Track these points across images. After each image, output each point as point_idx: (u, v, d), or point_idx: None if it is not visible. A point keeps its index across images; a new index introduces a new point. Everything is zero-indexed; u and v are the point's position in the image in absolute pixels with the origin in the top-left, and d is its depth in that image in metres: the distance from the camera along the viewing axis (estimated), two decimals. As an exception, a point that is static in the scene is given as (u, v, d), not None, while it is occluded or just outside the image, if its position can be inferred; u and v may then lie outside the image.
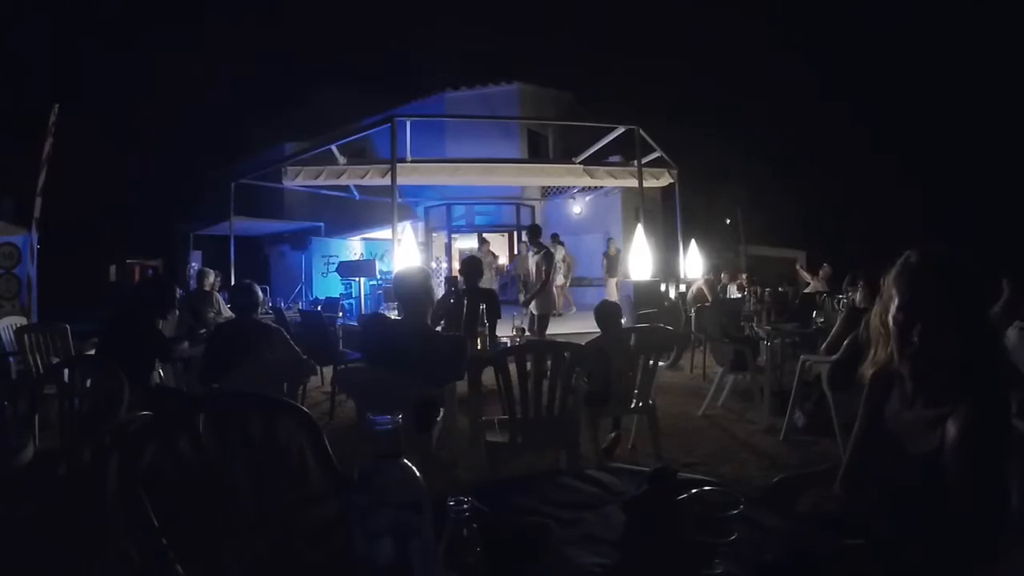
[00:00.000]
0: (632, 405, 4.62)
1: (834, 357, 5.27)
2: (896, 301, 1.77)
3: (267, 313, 9.88)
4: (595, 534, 1.54)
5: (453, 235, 19.20)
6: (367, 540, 1.05)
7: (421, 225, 19.09)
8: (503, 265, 17.33)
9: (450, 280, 11.91)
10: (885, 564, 1.62)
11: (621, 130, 11.98)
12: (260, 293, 4.94)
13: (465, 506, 1.07)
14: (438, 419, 3.98)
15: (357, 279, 13.22)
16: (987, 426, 1.57)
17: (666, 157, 12.71)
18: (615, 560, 1.41)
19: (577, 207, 18.75)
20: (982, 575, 1.56)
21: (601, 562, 1.40)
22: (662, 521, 1.48)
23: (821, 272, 13.17)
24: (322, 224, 18.48)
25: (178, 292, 5.97)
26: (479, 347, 4.85)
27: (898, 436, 1.78)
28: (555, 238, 15.30)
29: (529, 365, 3.79)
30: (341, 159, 12.60)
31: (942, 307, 1.67)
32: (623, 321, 6.05)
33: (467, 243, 18.88)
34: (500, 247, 18.03)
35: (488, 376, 3.85)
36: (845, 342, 5.12)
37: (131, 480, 1.80)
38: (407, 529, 1.04)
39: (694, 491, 1.45)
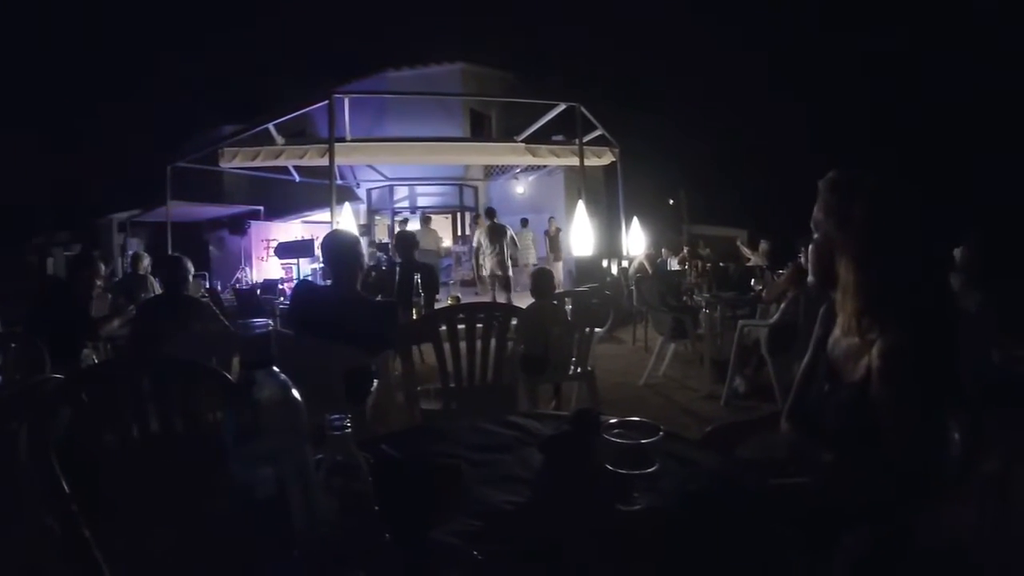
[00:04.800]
0: (571, 371, 4.56)
1: (771, 321, 5.29)
2: (814, 223, 1.72)
3: (203, 296, 9.64)
4: (511, 474, 1.47)
5: (396, 217, 18.94)
6: (239, 458, 0.95)
7: (363, 207, 18.82)
8: (448, 248, 17.11)
9: (381, 247, 11.75)
10: (818, 501, 1.57)
11: (562, 107, 11.88)
12: (189, 266, 4.80)
13: (346, 423, 0.97)
14: (371, 390, 3.86)
15: (296, 261, 12.93)
16: (909, 356, 1.50)
17: (608, 136, 12.67)
18: (528, 497, 1.34)
19: (520, 187, 18.68)
20: (913, 515, 1.51)
21: (513, 500, 1.33)
22: (578, 457, 1.41)
23: (760, 248, 13.34)
24: (261, 208, 18.09)
25: (102, 268, 5.75)
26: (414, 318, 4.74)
27: (836, 365, 1.73)
28: (524, 222, 15.40)
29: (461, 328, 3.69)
30: (279, 139, 12.28)
31: (855, 227, 1.61)
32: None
33: (410, 225, 18.66)
34: (443, 228, 17.84)
35: (430, 351, 3.75)
36: (782, 306, 5.14)
37: (41, 445, 1.69)
38: (280, 444, 0.95)
39: (610, 423, 1.38)
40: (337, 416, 0.97)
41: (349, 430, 0.97)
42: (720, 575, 1.12)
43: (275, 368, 0.99)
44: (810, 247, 1.78)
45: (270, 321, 0.99)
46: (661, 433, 1.33)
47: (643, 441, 1.30)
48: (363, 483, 0.98)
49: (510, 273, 11.93)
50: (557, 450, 1.49)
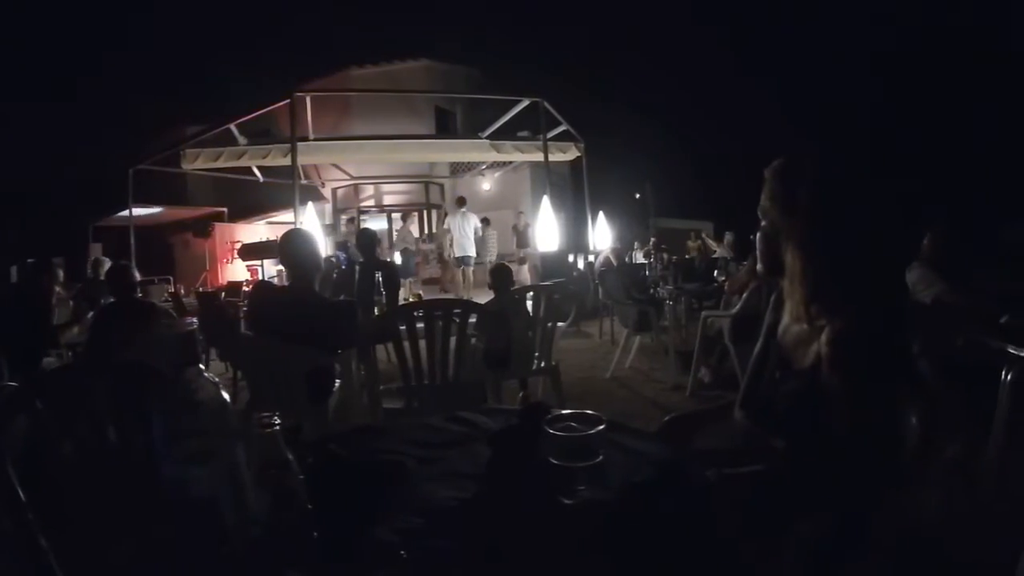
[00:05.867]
0: (534, 366, 4.55)
1: (733, 311, 5.33)
2: (761, 210, 1.72)
3: (166, 300, 9.55)
4: (458, 470, 1.47)
5: (362, 216, 18.81)
6: (168, 454, 0.94)
7: (329, 207, 18.69)
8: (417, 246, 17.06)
9: (340, 245, 11.72)
10: (771, 489, 1.58)
11: (526, 103, 11.88)
12: (136, 273, 4.79)
13: (275, 420, 0.95)
14: (334, 390, 3.83)
15: (260, 262, 12.79)
16: (857, 342, 1.48)
17: (572, 131, 12.68)
18: (472, 493, 1.33)
19: (486, 183, 18.66)
20: (870, 501, 1.51)
21: (458, 495, 1.32)
22: (525, 451, 1.41)
23: (725, 239, 13.46)
24: (225, 210, 17.89)
25: (60, 274, 5.70)
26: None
27: (786, 352, 1.73)
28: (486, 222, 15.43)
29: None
30: (242, 140, 12.14)
31: (801, 213, 1.61)
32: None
33: (376, 224, 18.49)
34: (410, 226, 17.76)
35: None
36: (744, 295, 5.18)
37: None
38: (209, 442, 0.94)
39: (555, 416, 1.37)
40: (266, 414, 0.96)
41: (278, 428, 0.96)
42: (663, 566, 1.11)
43: (201, 367, 0.98)
44: (757, 235, 1.78)
45: (195, 320, 0.98)
46: (602, 426, 1.32)
47: (584, 433, 1.30)
48: (294, 481, 0.97)
49: (472, 253, 13.20)
50: (504, 445, 1.48)
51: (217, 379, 1.00)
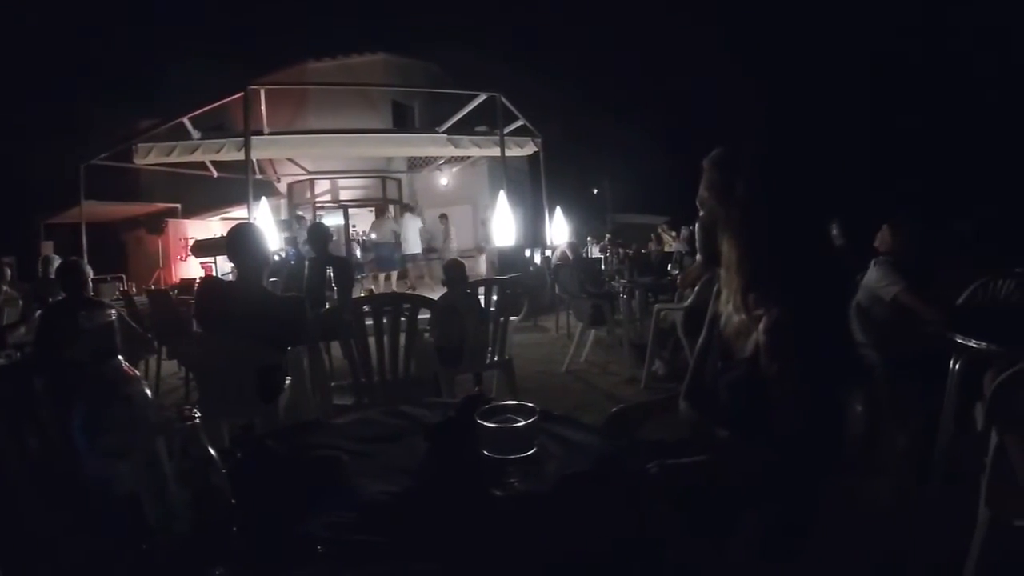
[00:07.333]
0: (488, 360, 4.55)
1: (686, 304, 5.38)
2: (699, 201, 1.73)
3: (117, 298, 9.38)
4: (392, 464, 1.46)
5: (318, 211, 18.60)
6: (86, 450, 0.92)
7: (284, 202, 18.45)
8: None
9: (290, 241, 11.61)
10: (713, 479, 1.58)
11: (483, 98, 11.81)
12: (89, 269, 4.70)
13: (195, 412, 0.94)
14: (284, 387, 3.79)
15: (214, 258, 12.55)
16: (793, 330, 1.47)
17: (529, 126, 12.65)
18: (406, 487, 1.33)
19: (444, 178, 18.57)
20: (814, 490, 1.52)
21: (389, 489, 1.31)
22: (461, 444, 1.41)
23: (681, 234, 13.59)
24: (179, 205, 17.58)
25: (8, 273, 5.58)
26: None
27: (727, 342, 1.73)
28: (443, 218, 15.68)
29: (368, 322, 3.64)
30: (195, 134, 11.91)
31: (738, 202, 1.62)
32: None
33: (331, 220, 18.30)
34: (366, 221, 17.58)
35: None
36: (696, 288, 5.22)
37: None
38: (129, 437, 0.92)
39: (489, 408, 1.37)
40: (187, 407, 0.95)
41: (198, 421, 0.94)
42: (595, 558, 1.10)
43: (120, 358, 0.96)
44: (695, 225, 1.79)
45: (114, 311, 0.97)
46: (534, 417, 1.33)
47: (514, 424, 1.30)
48: (216, 476, 0.96)
49: (418, 250, 14.74)
50: (441, 438, 1.48)
51: (138, 372, 0.99)
